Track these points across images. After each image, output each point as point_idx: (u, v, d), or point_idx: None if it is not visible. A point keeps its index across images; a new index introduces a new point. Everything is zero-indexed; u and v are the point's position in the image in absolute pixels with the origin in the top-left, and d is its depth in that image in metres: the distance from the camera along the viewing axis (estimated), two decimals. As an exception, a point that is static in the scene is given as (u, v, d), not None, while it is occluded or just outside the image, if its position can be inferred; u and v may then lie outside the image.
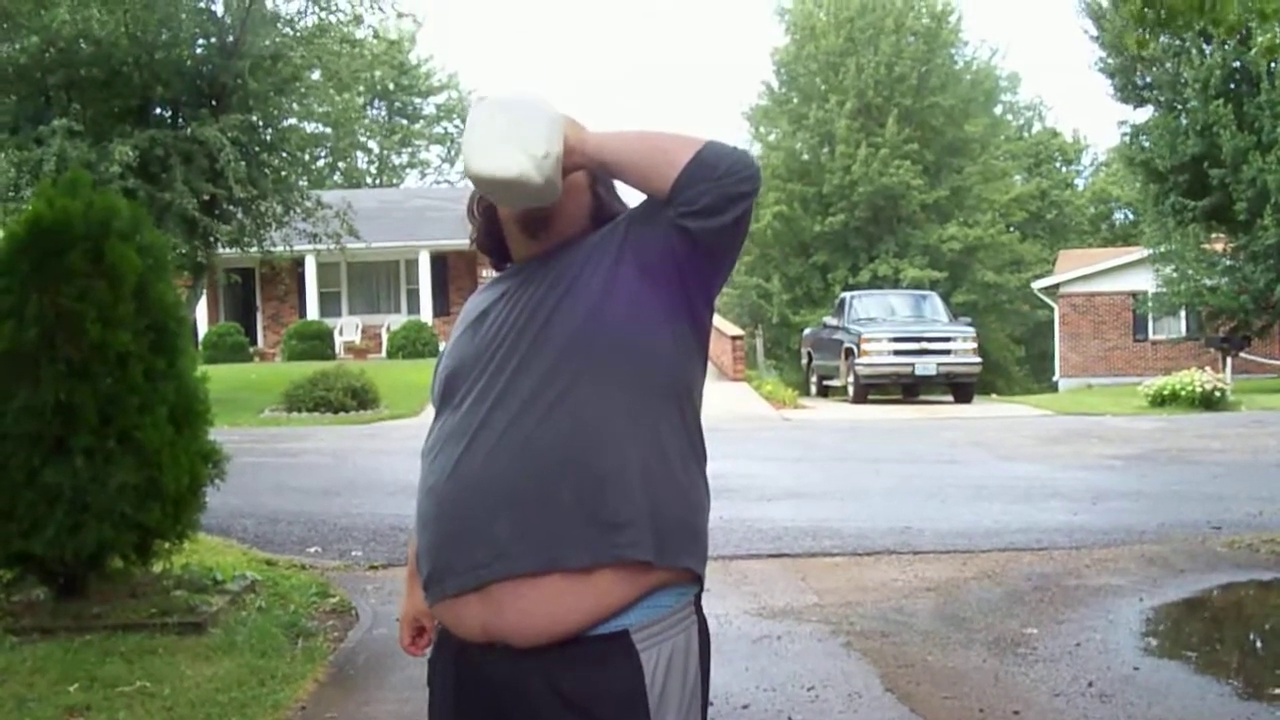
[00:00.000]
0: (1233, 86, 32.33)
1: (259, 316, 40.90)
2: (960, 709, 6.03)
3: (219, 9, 25.09)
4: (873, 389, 27.28)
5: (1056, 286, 44.35)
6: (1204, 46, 32.66)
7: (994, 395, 33.39)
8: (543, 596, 2.54)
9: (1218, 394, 24.44)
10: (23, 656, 6.66)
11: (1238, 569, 9.38)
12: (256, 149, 25.50)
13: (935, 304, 30.52)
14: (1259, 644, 8.13)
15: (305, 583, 8.76)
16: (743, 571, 9.04)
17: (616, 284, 2.57)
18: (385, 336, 37.49)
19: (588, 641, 2.56)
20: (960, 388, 27.33)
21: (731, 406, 23.68)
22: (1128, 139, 36.38)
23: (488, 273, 3.02)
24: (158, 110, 25.16)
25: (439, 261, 37.69)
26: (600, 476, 2.51)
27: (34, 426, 6.98)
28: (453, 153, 71.96)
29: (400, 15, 28.21)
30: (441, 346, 2.96)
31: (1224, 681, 6.82)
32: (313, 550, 10.05)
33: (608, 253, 2.61)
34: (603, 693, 2.56)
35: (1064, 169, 72.44)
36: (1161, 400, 24.60)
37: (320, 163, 38.27)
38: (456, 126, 71.85)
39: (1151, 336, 41.60)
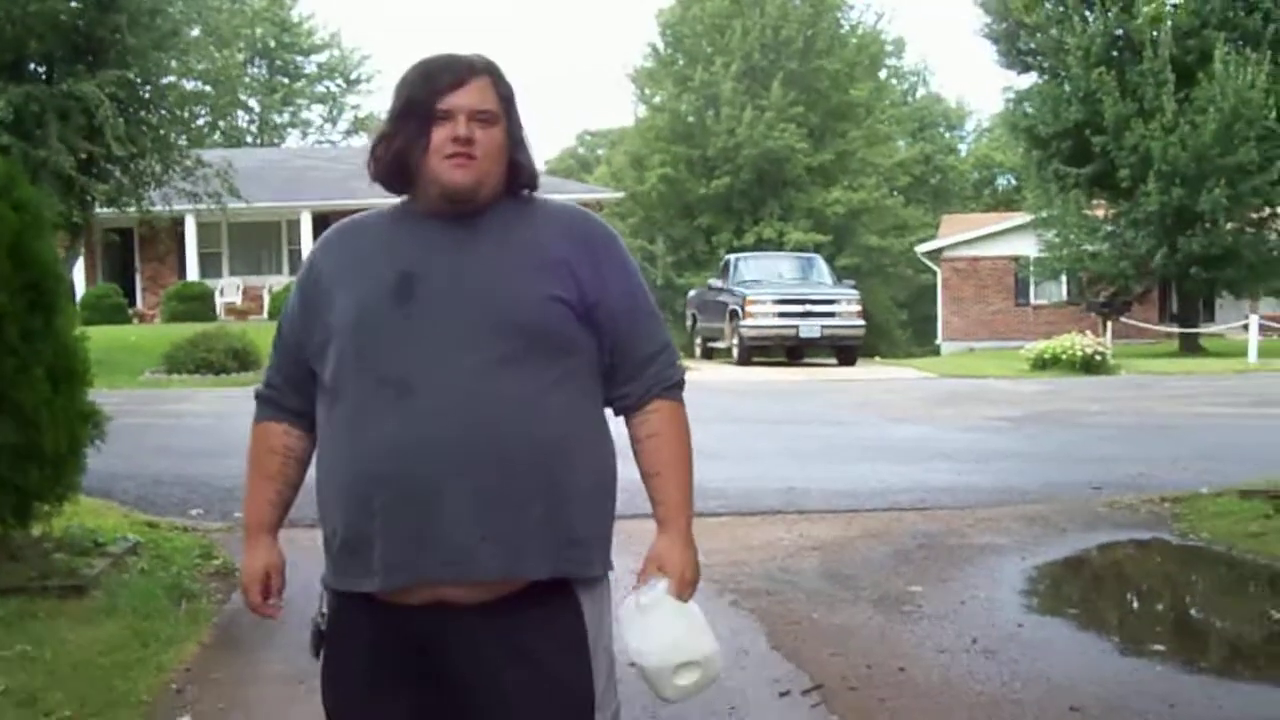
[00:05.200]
0: (1115, 54, 32.75)
1: (138, 277, 40.18)
2: (846, 665, 6.07)
3: (94, -40, 24.57)
4: (757, 351, 27.39)
5: (939, 251, 44.84)
6: (1087, 13, 33.05)
7: (877, 358, 33.67)
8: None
9: (1098, 358, 24.87)
10: (-103, 622, 6.51)
11: (1117, 528, 9.53)
12: (135, 106, 25.06)
13: (820, 267, 30.73)
14: (1137, 601, 8.27)
15: (188, 545, 8.64)
16: (628, 531, 8.93)
17: (555, 291, 2.71)
18: (267, 298, 37.01)
19: (531, 590, 2.67)
20: (844, 350, 27.56)
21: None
22: (1011, 105, 36.77)
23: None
24: (32, 65, 24.59)
25: (321, 222, 37.11)
26: (561, 491, 2.68)
27: (-93, 387, 6.80)
28: (334, 113, 71.28)
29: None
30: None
31: (1105, 638, 6.95)
32: (195, 512, 9.91)
33: (555, 267, 2.74)
34: (548, 636, 2.69)
35: (948, 134, 73.18)
36: (1043, 364, 24.97)
37: (200, 121, 37.77)
38: (338, 86, 71.12)
39: (1033, 301, 42.19)
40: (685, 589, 2.79)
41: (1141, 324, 35.12)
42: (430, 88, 2.70)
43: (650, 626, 2.74)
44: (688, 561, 2.81)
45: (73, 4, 24.44)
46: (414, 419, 2.61)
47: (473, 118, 2.70)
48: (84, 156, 23.65)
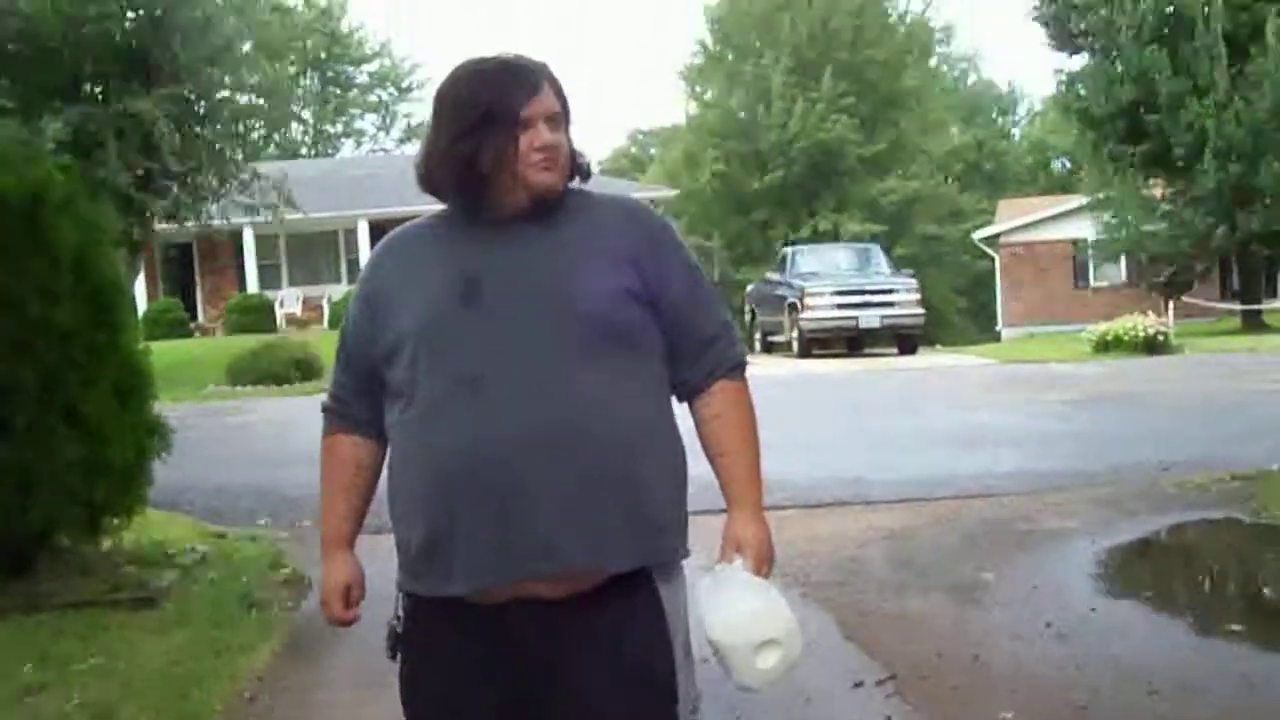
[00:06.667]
0: (1166, 31, 32.38)
1: (199, 291, 40.50)
2: (919, 654, 6.03)
3: (147, -21, 24.78)
4: (817, 343, 27.19)
5: (997, 236, 44.56)
6: (1137, -9, 32.72)
7: (938, 346, 33.51)
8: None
9: (1160, 338, 24.64)
10: (-27, 638, 6.58)
11: (1188, 508, 9.43)
12: (190, 122, 25.26)
13: (877, 256, 30.57)
14: (1211, 582, 8.19)
15: (257, 554, 8.68)
16: (694, 525, 8.99)
17: (620, 282, 2.73)
18: (327, 307, 37.14)
19: (612, 581, 2.69)
20: (904, 339, 27.36)
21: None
22: (1064, 87, 36.43)
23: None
24: (88, 86, 24.82)
25: (378, 230, 37.18)
26: (642, 480, 2.70)
27: (-25, 405, 6.86)
28: (387, 121, 71.59)
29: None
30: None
31: (1180, 619, 6.87)
32: (262, 521, 9.96)
33: (621, 260, 2.76)
34: (629, 626, 2.70)
35: (1000, 119, 72.74)
36: (1105, 346, 24.76)
37: (255, 134, 37.98)
38: (390, 94, 71.42)
39: (1093, 283, 41.82)
40: (763, 565, 2.81)
41: (1203, 302, 34.75)
42: (509, 96, 2.71)
43: (729, 602, 2.74)
44: (763, 537, 2.83)
45: (126, 24, 24.67)
46: (490, 417, 2.61)
47: (549, 122, 2.74)
48: (141, 173, 23.87)
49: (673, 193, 47.83)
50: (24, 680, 5.93)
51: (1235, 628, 6.49)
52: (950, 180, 59.60)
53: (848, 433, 13.88)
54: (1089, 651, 6.00)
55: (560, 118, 2.77)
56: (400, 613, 2.84)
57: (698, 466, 2.88)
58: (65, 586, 7.27)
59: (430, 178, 2.80)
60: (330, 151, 67.73)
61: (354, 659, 6.00)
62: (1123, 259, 38.74)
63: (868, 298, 26.73)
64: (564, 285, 2.69)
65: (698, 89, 58.23)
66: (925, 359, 26.02)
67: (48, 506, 6.95)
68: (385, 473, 2.89)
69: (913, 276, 28.98)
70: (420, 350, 2.71)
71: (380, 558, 3.08)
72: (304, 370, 22.91)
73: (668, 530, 2.77)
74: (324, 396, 3.02)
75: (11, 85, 23.29)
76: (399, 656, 2.85)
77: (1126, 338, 24.59)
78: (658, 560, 2.75)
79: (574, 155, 2.81)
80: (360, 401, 2.90)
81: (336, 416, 2.97)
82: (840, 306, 26.61)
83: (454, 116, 2.74)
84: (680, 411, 2.89)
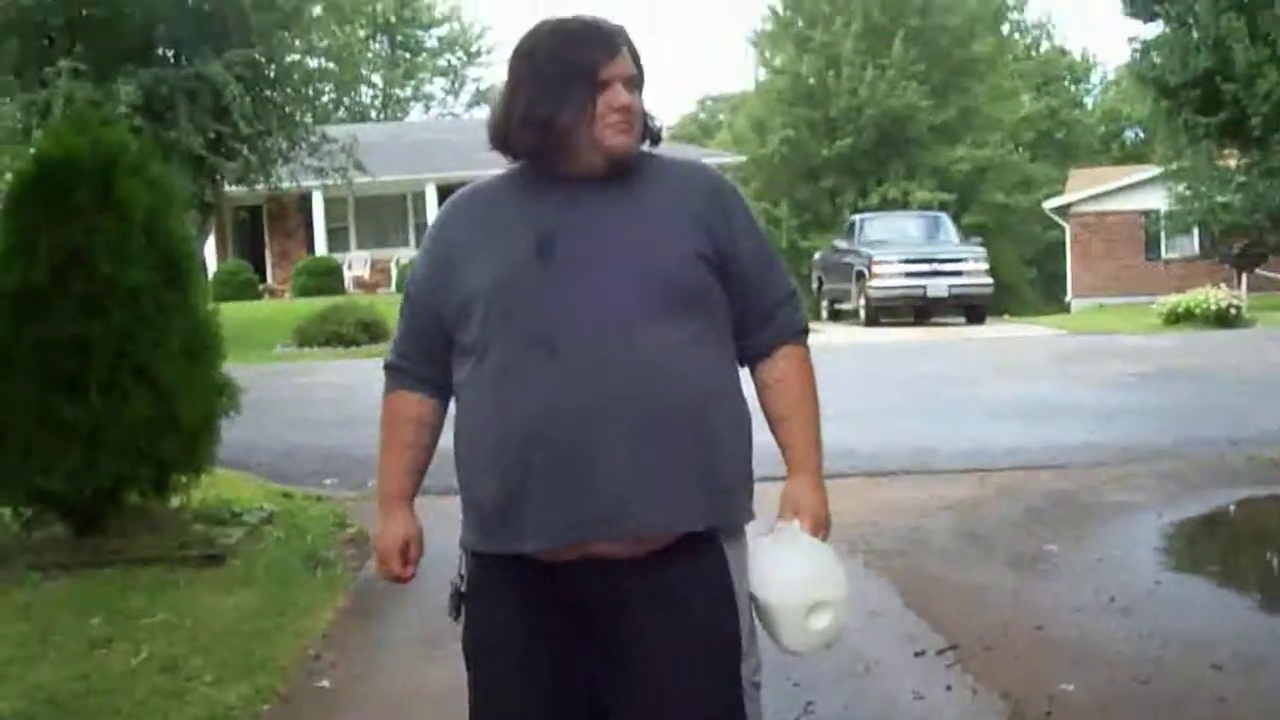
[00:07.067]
0: (1245, -1, 31.88)
1: (268, 254, 40.72)
2: (982, 625, 6.01)
3: (218, -57, 24.89)
4: (884, 312, 27.05)
5: (1067, 206, 44.08)
6: (1215, -43, 32.20)
7: (1006, 316, 33.24)
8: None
9: (1232, 311, 24.34)
10: (45, 592, 6.69)
11: (1256, 484, 9.36)
12: (261, 85, 25.38)
13: (946, 225, 30.34)
14: (1278, 558, 8.11)
15: (322, 513, 8.77)
16: (759, 492, 8.98)
17: (692, 245, 2.76)
18: (394, 270, 37.29)
19: (680, 541, 2.71)
20: (973, 309, 27.15)
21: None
22: (1138, 55, 35.94)
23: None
24: (160, 49, 24.99)
25: (446, 194, 36.74)
26: (713, 441, 2.73)
27: (48, 363, 6.96)
28: (456, 85, 71.64)
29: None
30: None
31: (1246, 595, 6.83)
32: (329, 481, 10.05)
33: (692, 223, 2.78)
34: (695, 586, 2.72)
35: (1073, 88, 71.89)
36: (1176, 318, 24.50)
37: (325, 98, 38.17)
38: (459, 59, 71.46)
39: (1164, 255, 41.31)
40: (821, 528, 2.83)
41: (1277, 275, 34.29)
42: (589, 57, 2.72)
43: (786, 563, 2.77)
44: (821, 501, 2.86)
45: (198, -14, 24.83)
46: (565, 378, 2.63)
47: (627, 84, 2.75)
48: (213, 136, 24.01)
49: (740, 159, 47.64)
50: (93, 633, 6.03)
51: (1302, 604, 6.44)
52: (1021, 149, 59.01)
53: (914, 401, 13.81)
54: (1152, 625, 5.97)
55: (636, 81, 2.78)
56: (463, 572, 2.85)
57: (758, 434, 2.88)
58: (134, 543, 7.38)
59: (504, 135, 2.81)
60: (399, 115, 67.88)
61: (417, 619, 6.06)
62: (1195, 231, 38.24)
63: (936, 266, 26.54)
64: (637, 246, 2.71)
65: (767, 55, 57.83)
66: (993, 329, 25.82)
67: (117, 464, 7.05)
68: (452, 432, 2.88)
69: (981, 246, 28.75)
70: (492, 308, 2.71)
71: (442, 519, 3.09)
72: (371, 332, 23.01)
73: (737, 491, 2.79)
74: (388, 356, 3.03)
75: (85, 49, 23.48)
76: (462, 615, 2.86)
77: (1198, 310, 24.31)
78: (727, 521, 2.77)
79: (646, 118, 2.82)
80: (424, 360, 2.91)
81: (399, 374, 2.97)
82: (908, 275, 26.44)
83: (534, 74, 2.75)
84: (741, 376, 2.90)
